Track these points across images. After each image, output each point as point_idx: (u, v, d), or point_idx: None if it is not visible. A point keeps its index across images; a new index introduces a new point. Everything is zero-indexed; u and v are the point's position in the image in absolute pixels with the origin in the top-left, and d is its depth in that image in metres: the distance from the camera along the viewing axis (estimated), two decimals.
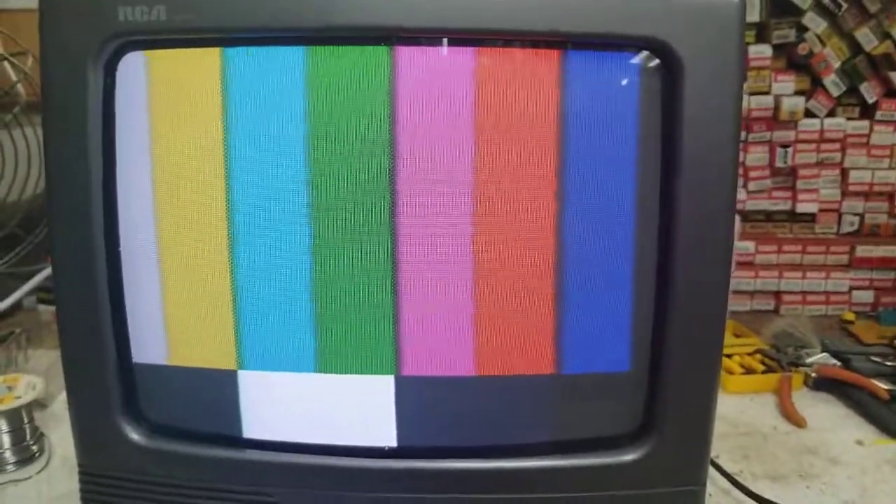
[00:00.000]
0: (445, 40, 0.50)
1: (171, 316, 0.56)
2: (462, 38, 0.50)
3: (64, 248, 0.54)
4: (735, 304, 1.22)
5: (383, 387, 0.55)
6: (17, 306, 1.17)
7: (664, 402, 0.55)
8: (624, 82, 0.51)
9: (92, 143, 0.53)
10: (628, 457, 0.56)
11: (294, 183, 0.52)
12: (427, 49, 0.50)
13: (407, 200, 0.52)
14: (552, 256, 0.53)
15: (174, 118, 0.52)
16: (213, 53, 0.51)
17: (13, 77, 1.10)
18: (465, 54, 0.50)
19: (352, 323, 0.54)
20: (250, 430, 0.57)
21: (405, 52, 0.50)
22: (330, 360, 0.55)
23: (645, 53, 0.50)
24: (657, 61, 0.50)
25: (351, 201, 0.52)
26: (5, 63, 1.10)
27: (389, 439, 0.56)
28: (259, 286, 0.54)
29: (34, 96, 1.10)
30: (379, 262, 0.53)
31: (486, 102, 0.51)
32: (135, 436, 0.57)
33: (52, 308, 1.13)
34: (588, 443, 0.57)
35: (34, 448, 0.79)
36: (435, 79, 0.50)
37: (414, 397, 0.56)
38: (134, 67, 0.52)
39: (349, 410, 0.56)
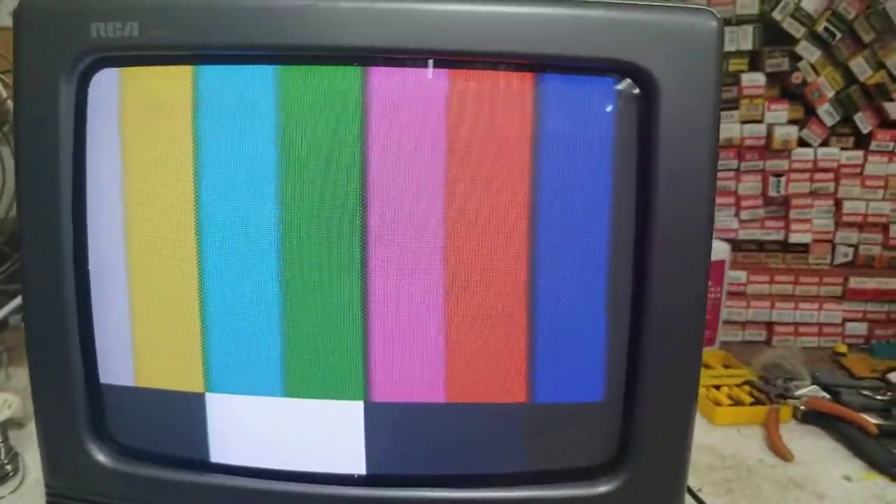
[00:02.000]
0: (419, 62, 0.50)
1: (139, 337, 0.55)
2: (436, 59, 0.49)
3: (33, 266, 0.54)
4: (726, 335, 1.21)
5: (352, 413, 0.54)
6: (2, 324, 1.16)
7: (638, 433, 0.54)
8: (600, 106, 0.51)
9: (63, 160, 0.52)
10: (602, 488, 0.55)
11: (264, 206, 0.52)
12: (400, 70, 0.50)
13: (378, 226, 0.51)
14: (525, 285, 0.52)
15: (145, 136, 0.52)
16: (186, 71, 0.51)
17: (3, 94, 1.10)
18: (439, 76, 0.50)
19: (321, 347, 0.53)
20: (217, 455, 0.56)
21: (378, 73, 0.50)
22: (298, 384, 0.54)
23: (621, 77, 0.50)
24: (634, 85, 0.50)
25: (321, 225, 0.52)
26: None
27: (359, 467, 0.55)
28: (228, 309, 0.53)
29: None
30: (349, 288, 0.52)
31: (459, 126, 0.50)
32: (101, 457, 0.56)
33: None
34: (561, 473, 0.56)
35: (8, 468, 0.78)
36: (408, 101, 0.50)
37: (384, 424, 0.54)
38: (106, 84, 0.52)
39: (317, 436, 0.55)
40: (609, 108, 0.51)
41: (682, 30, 0.49)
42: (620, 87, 0.50)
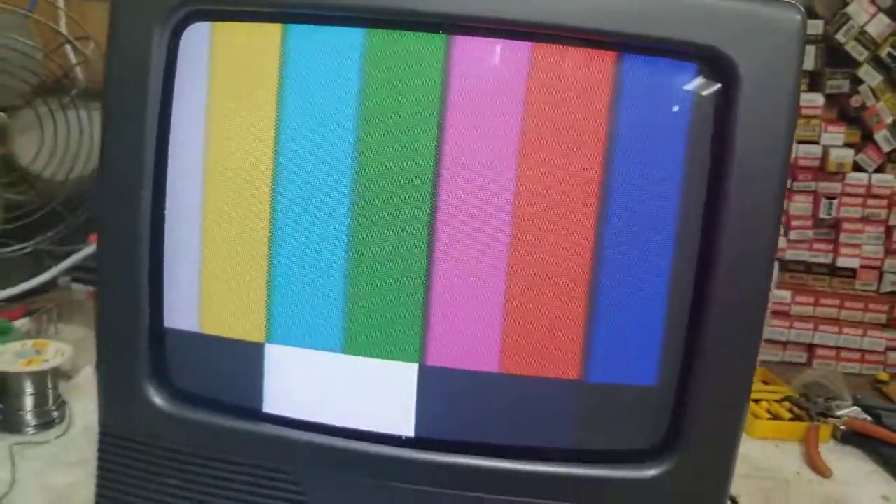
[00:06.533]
0: (502, 32, 0.50)
1: (206, 285, 0.56)
2: (520, 30, 0.50)
3: (111, 205, 0.55)
4: (766, 354, 1.20)
5: (406, 374, 0.55)
6: (52, 284, 1.19)
7: (688, 421, 0.54)
8: (678, 90, 0.51)
9: (150, 107, 0.54)
10: (648, 472, 0.55)
11: (340, 165, 0.53)
12: (483, 40, 0.51)
13: (448, 193, 0.52)
14: (588, 264, 0.53)
15: (231, 90, 0.54)
16: (275, 29, 0.52)
17: (74, 61, 1.13)
18: (521, 48, 0.51)
19: (382, 307, 0.54)
20: (270, 405, 0.57)
21: (462, 42, 0.51)
22: (357, 341, 0.55)
23: (701, 63, 0.50)
24: (713, 73, 0.50)
25: (394, 188, 0.53)
26: (67, 47, 1.13)
27: (407, 428, 0.56)
28: (295, 262, 0.54)
29: (92, 83, 1.13)
30: (414, 252, 0.53)
31: (537, 99, 0.51)
32: (158, 400, 0.57)
33: (87, 288, 1.16)
34: (608, 454, 0.56)
35: (55, 414, 0.80)
36: (489, 69, 0.51)
37: (435, 388, 0.55)
38: (198, 37, 0.53)
39: (370, 395, 0.56)
40: (687, 93, 0.51)
41: (766, 20, 0.50)
42: (700, 72, 0.51)
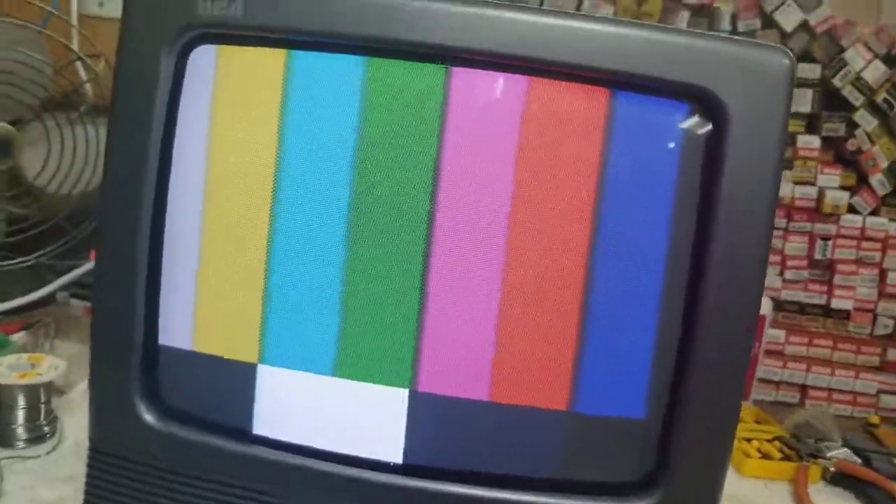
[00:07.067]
0: (500, 65, 0.52)
1: (201, 303, 0.57)
2: (517, 65, 0.52)
3: (112, 221, 0.56)
4: (760, 393, 1.20)
5: (396, 400, 0.55)
6: (50, 299, 1.20)
7: (674, 456, 0.55)
8: (670, 128, 0.52)
9: (155, 126, 0.55)
10: None
11: (337, 190, 0.54)
12: (481, 73, 0.52)
13: (443, 223, 0.53)
14: (579, 297, 0.54)
15: (234, 112, 0.55)
16: (279, 55, 0.53)
17: (84, 78, 1.15)
18: (519, 82, 0.52)
19: (375, 332, 0.55)
20: (260, 427, 0.57)
21: (461, 73, 0.52)
22: (349, 365, 0.55)
23: (693, 103, 0.52)
24: (704, 113, 0.52)
25: (390, 215, 0.54)
26: (78, 63, 1.14)
27: (396, 455, 0.56)
28: (291, 285, 0.55)
29: (101, 100, 1.15)
30: (409, 278, 0.54)
31: (532, 131, 0.52)
32: (149, 417, 0.58)
33: (84, 304, 1.16)
34: (593, 486, 0.56)
35: (46, 429, 0.80)
36: (485, 101, 0.52)
37: (425, 415, 0.56)
38: (204, 60, 0.55)
39: (360, 419, 0.56)
40: (678, 132, 0.52)
41: (756, 63, 0.51)
42: (691, 112, 0.52)
